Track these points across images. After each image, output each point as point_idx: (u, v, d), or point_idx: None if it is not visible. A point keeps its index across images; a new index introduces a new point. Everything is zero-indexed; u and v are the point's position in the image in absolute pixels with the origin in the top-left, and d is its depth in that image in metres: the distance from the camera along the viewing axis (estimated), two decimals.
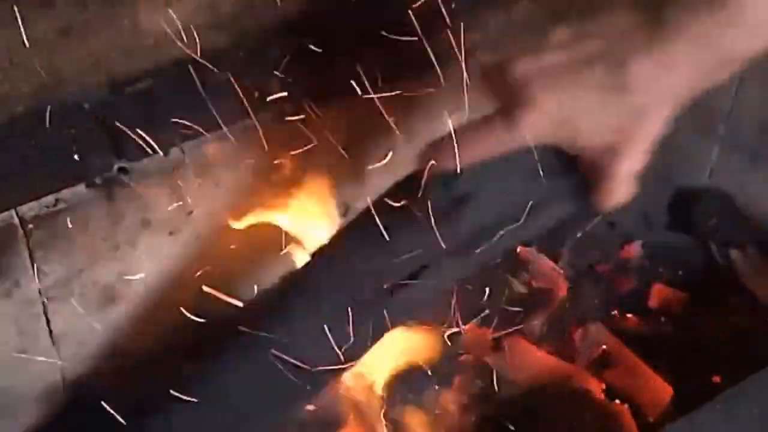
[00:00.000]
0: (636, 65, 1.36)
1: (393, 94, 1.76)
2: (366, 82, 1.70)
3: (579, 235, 2.42)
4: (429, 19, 1.70)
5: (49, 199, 1.70)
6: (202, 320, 1.63)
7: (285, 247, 1.96)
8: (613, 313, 2.33)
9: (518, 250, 2.32)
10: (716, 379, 2.06)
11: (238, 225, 1.97)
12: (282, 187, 2.01)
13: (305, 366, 1.51)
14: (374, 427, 2.00)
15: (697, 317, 2.28)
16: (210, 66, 1.81)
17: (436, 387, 2.10)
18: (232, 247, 1.97)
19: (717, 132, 2.43)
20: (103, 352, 1.97)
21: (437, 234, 1.48)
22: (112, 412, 1.57)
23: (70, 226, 1.73)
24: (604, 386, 2.09)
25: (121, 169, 1.76)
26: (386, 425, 2.00)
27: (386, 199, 1.58)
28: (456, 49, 1.66)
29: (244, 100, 1.79)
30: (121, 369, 1.89)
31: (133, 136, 1.72)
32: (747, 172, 2.41)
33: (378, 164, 1.96)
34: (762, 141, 2.38)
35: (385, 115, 1.75)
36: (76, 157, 1.68)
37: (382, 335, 1.58)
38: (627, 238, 2.48)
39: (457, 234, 1.50)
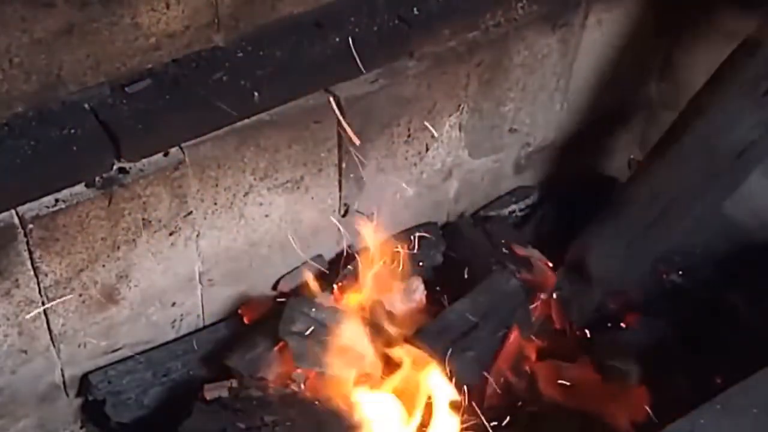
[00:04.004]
0: None
1: None
2: None
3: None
4: None
5: (49, 199, 1.71)
6: None
7: None
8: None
9: (515, 248, 2.33)
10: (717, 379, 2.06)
11: None
12: None
13: None
14: None
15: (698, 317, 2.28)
16: (210, 66, 1.82)
17: None
18: None
19: None
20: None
21: None
22: None
23: (70, 226, 1.73)
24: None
25: (121, 169, 1.76)
26: None
27: None
28: None
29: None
30: None
31: (133, 136, 1.73)
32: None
33: None
34: None
35: None
36: (76, 157, 1.68)
37: None
38: None
39: None
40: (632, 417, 2.04)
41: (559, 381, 2.11)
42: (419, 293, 2.20)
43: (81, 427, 2.09)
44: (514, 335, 2.12)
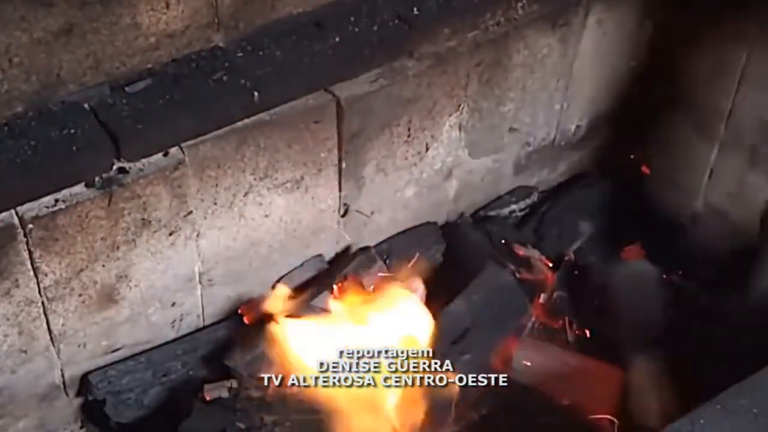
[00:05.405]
0: None
1: None
2: None
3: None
4: None
5: (49, 199, 1.71)
6: None
7: None
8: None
9: (515, 248, 2.34)
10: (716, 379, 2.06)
11: None
12: None
13: None
14: None
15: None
16: (210, 66, 1.82)
17: None
18: None
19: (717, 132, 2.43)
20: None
21: None
22: None
23: (70, 226, 1.73)
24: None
25: (121, 169, 1.76)
26: None
27: None
28: None
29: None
30: None
31: (133, 136, 1.73)
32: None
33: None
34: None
35: None
36: (76, 157, 1.68)
37: None
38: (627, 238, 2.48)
39: None
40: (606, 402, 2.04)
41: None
42: (419, 293, 2.20)
43: (81, 427, 2.09)
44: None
